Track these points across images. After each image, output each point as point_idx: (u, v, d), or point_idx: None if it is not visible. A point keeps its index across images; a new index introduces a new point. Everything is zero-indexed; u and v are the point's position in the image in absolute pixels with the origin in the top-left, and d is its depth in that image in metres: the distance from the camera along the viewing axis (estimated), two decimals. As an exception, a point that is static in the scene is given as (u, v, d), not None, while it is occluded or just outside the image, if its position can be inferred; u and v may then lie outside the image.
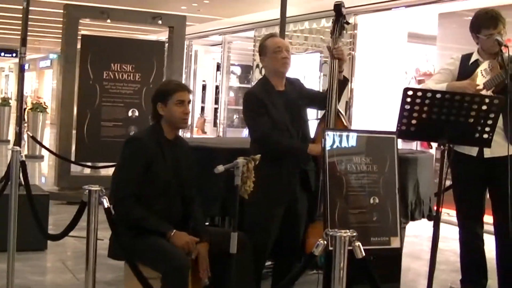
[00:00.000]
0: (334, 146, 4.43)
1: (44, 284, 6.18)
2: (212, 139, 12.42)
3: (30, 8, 9.34)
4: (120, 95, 11.00)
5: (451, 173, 5.55)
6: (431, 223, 4.58)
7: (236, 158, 4.14)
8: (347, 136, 4.50)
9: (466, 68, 5.48)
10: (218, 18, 16.37)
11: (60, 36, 11.40)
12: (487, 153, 5.33)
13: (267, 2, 12.59)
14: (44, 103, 18.83)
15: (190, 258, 4.48)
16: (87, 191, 4.33)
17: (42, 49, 33.30)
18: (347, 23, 5.44)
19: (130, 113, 11.06)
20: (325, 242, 3.45)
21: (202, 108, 21.61)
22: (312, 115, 5.52)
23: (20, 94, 9.47)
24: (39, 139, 15.35)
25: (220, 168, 4.07)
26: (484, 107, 4.40)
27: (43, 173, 15.04)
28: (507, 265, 5.36)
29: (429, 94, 4.39)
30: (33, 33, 21.15)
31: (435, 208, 5.00)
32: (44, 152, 15.71)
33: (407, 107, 4.42)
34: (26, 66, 11.40)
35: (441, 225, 4.54)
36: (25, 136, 14.95)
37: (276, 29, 9.47)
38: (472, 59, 5.51)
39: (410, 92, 4.40)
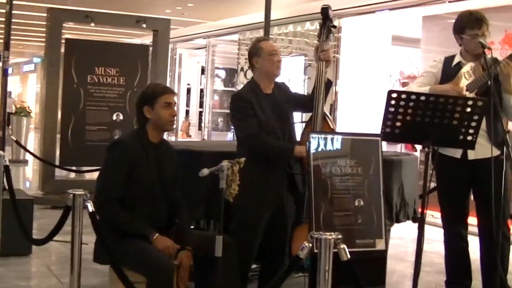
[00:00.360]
0: (319, 149, 4.45)
1: (29, 289, 6.17)
2: (197, 142, 12.44)
3: (13, 11, 9.33)
4: (104, 98, 10.98)
5: (436, 175, 5.57)
6: (416, 225, 4.60)
7: (221, 162, 4.14)
8: (332, 139, 4.52)
9: (449, 71, 5.50)
10: (202, 22, 16.36)
11: (44, 40, 11.36)
12: (471, 155, 5.35)
13: (251, 6, 12.60)
14: (28, 107, 18.77)
15: (174, 261, 4.47)
16: (71, 195, 4.34)
17: (26, 53, 33.23)
18: (334, 26, 5.49)
19: (114, 117, 11.04)
20: (310, 244, 3.46)
21: (187, 112, 21.54)
22: (297, 118, 5.53)
23: (4, 98, 9.43)
24: (23, 144, 15.30)
25: (205, 171, 4.07)
26: (468, 109, 4.42)
27: (27, 178, 14.99)
28: (490, 266, 5.37)
29: (413, 97, 4.41)
30: (16, 37, 21.08)
31: (419, 210, 5.01)
32: (28, 157, 15.64)
33: (392, 109, 4.43)
34: (10, 70, 11.33)
35: (426, 227, 4.55)
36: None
37: (261, 32, 9.48)
38: (455, 61, 5.53)
39: (394, 95, 4.41)
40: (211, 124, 18.40)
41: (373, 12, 11.70)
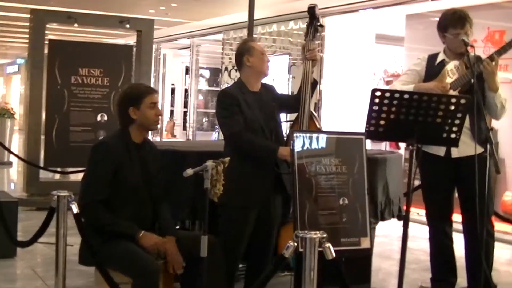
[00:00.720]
0: (303, 148, 4.45)
1: (14, 291, 6.14)
2: (182, 142, 12.42)
3: (-4, 13, 9.28)
4: (88, 99, 10.94)
5: (420, 173, 5.59)
6: (401, 222, 4.61)
7: (205, 161, 4.14)
8: (316, 138, 4.52)
9: (433, 69, 5.52)
10: (186, 22, 16.34)
11: (27, 41, 11.31)
12: (455, 153, 5.37)
13: (235, 5, 12.58)
14: (12, 109, 18.69)
15: (160, 262, 4.47)
16: (55, 197, 4.32)
17: (9, 54, 33.10)
18: (321, 26, 5.53)
19: (99, 118, 11.01)
20: (295, 244, 3.46)
21: (172, 112, 21.52)
22: (282, 118, 5.54)
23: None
24: (7, 145, 15.24)
25: (189, 171, 4.07)
26: (451, 107, 4.43)
27: (12, 179, 14.94)
28: (475, 263, 5.39)
29: (397, 95, 4.42)
30: (-1, 38, 21.04)
31: (404, 208, 5.03)
32: (13, 158, 15.58)
33: (376, 108, 4.44)
34: (-7, 72, 11.31)
35: (411, 224, 4.56)
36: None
37: (245, 32, 9.47)
38: (438, 59, 5.55)
39: (378, 93, 4.42)
40: (196, 124, 18.38)
41: (357, 10, 11.70)
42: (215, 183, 4.17)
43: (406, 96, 4.42)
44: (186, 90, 20.01)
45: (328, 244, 3.46)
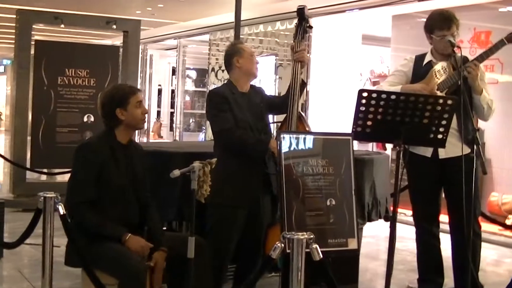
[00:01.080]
0: (291, 149, 4.45)
1: (1, 293, 6.12)
2: (169, 143, 12.41)
3: (-18, 14, 9.25)
4: (75, 100, 10.92)
5: (407, 174, 5.60)
6: (388, 223, 4.61)
7: (192, 162, 4.13)
8: (303, 139, 4.52)
9: (420, 69, 5.53)
10: (173, 22, 16.30)
11: (14, 41, 11.27)
12: (442, 154, 5.38)
13: (222, 6, 12.57)
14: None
15: (147, 263, 4.46)
16: (42, 198, 4.31)
17: (-5, 55, 32.95)
18: (310, 27, 5.55)
19: (85, 119, 10.99)
20: (283, 245, 3.46)
21: (158, 113, 21.48)
22: (270, 119, 5.56)
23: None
24: (-7, 146, 15.18)
25: (176, 172, 4.07)
26: (438, 108, 4.43)
27: (-2, 181, 14.88)
28: (462, 263, 5.40)
29: (384, 96, 4.41)
30: (-15, 39, 20.95)
31: (391, 208, 5.03)
32: (-1, 159, 15.53)
33: (362, 108, 4.43)
34: (-21, 73, 11.28)
35: (398, 225, 4.56)
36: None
37: (231, 33, 9.46)
38: (426, 60, 5.56)
39: (365, 94, 4.41)
40: (183, 125, 18.37)
41: (343, 11, 11.71)
42: (202, 184, 4.18)
43: (393, 96, 4.41)
44: (172, 91, 19.99)
45: (316, 245, 3.46)
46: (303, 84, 5.42)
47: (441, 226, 5.74)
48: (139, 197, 4.74)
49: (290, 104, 5.26)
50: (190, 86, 20.15)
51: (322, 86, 12.24)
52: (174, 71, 19.48)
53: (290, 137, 4.48)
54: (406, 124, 4.43)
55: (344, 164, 4.59)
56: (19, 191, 10.73)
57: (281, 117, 5.45)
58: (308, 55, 5.72)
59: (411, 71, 5.61)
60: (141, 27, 12.07)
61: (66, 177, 5.68)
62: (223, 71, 14.26)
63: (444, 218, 5.68)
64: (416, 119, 4.43)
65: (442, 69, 5.35)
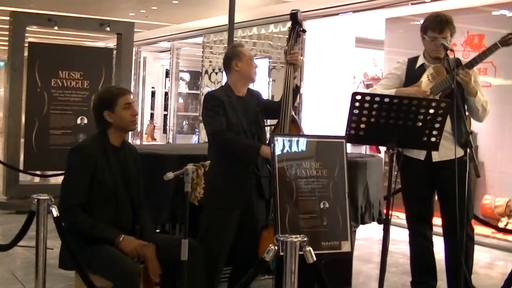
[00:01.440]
0: (284, 151, 4.45)
1: (-7, 296, 6.11)
2: (162, 145, 12.39)
3: (-25, 15, 9.23)
4: (68, 102, 10.91)
5: (400, 177, 5.60)
6: (381, 226, 4.61)
7: (185, 165, 4.13)
8: (297, 141, 4.53)
9: (413, 72, 5.53)
10: (166, 25, 16.29)
11: (7, 43, 11.26)
12: (435, 157, 5.38)
13: (215, 8, 12.57)
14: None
15: (140, 265, 4.45)
16: (35, 200, 4.30)
17: (-12, 57, 32.88)
18: (304, 31, 5.57)
19: (79, 121, 10.98)
20: (276, 247, 3.46)
21: (152, 115, 21.47)
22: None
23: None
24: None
25: (170, 175, 4.06)
26: (432, 111, 4.43)
27: (-9, 183, 14.83)
28: (455, 266, 5.41)
29: (377, 99, 4.41)
30: (-22, 41, 20.89)
31: (384, 211, 5.04)
32: (-8, 161, 15.48)
33: (356, 111, 4.43)
34: (-28, 75, 11.26)
35: (391, 228, 4.56)
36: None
37: (225, 35, 9.48)
38: (418, 63, 5.57)
39: (358, 97, 4.41)
40: (176, 127, 18.37)
41: (337, 14, 11.72)
42: (195, 186, 4.17)
43: (386, 99, 4.41)
44: (166, 93, 20.00)
45: (309, 248, 3.46)
46: (297, 89, 5.43)
47: (434, 229, 5.74)
48: (132, 198, 4.74)
49: (283, 107, 5.26)
50: (183, 88, 20.15)
51: (315, 89, 12.25)
52: (167, 74, 19.49)
53: (283, 140, 4.49)
54: (400, 127, 4.42)
55: (338, 167, 4.60)
56: (12, 193, 10.71)
57: (274, 120, 5.45)
58: (301, 58, 5.72)
59: (404, 74, 5.62)
60: (135, 30, 12.05)
61: (60, 179, 5.69)
62: (216, 73, 14.30)
63: (437, 221, 5.68)
64: (409, 122, 4.43)
65: (435, 72, 5.35)
